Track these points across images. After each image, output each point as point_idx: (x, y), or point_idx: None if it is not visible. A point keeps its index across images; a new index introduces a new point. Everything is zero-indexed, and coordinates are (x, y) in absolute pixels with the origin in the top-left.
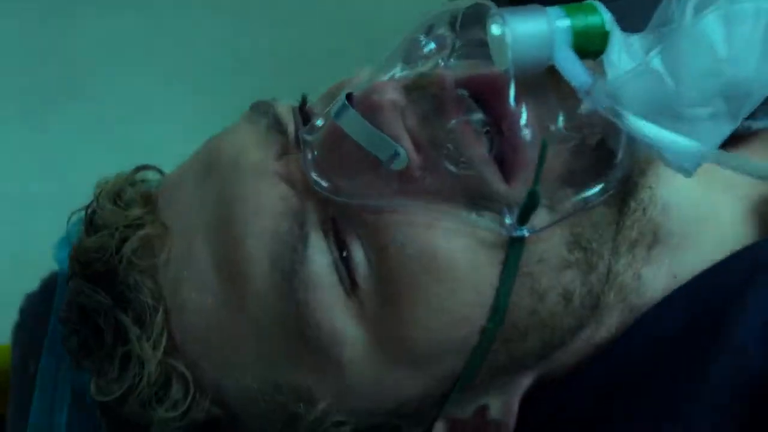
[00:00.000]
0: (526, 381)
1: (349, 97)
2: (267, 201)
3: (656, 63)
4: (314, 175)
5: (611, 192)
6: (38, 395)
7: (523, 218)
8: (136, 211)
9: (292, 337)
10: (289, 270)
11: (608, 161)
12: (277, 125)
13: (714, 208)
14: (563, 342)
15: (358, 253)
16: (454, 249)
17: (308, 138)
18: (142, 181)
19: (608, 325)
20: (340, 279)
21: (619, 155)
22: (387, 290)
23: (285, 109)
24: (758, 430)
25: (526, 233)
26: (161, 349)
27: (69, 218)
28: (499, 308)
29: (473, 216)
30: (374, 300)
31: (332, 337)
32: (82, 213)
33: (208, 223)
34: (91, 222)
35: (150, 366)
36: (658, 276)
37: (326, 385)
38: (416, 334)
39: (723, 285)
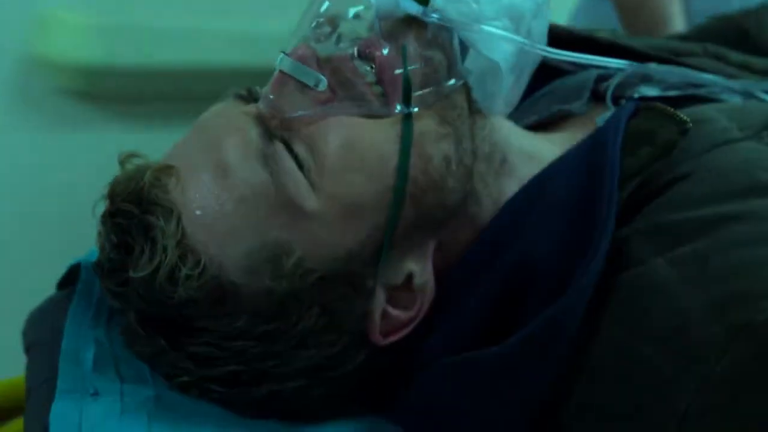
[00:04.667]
0: (432, 243)
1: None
2: (240, 121)
3: None
4: (264, 107)
5: (459, 83)
6: (66, 339)
7: (406, 99)
8: (148, 163)
9: (272, 205)
10: (267, 161)
11: (452, 65)
12: (241, 95)
13: (541, 149)
14: (455, 208)
15: (301, 149)
16: (364, 131)
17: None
18: None
19: (483, 214)
20: (297, 166)
21: (458, 61)
22: (325, 167)
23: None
24: None
25: (412, 110)
26: (178, 235)
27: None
28: (401, 169)
29: (375, 108)
30: (318, 175)
31: (298, 201)
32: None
33: (202, 149)
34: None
35: (171, 245)
36: (511, 183)
37: (297, 237)
38: (348, 190)
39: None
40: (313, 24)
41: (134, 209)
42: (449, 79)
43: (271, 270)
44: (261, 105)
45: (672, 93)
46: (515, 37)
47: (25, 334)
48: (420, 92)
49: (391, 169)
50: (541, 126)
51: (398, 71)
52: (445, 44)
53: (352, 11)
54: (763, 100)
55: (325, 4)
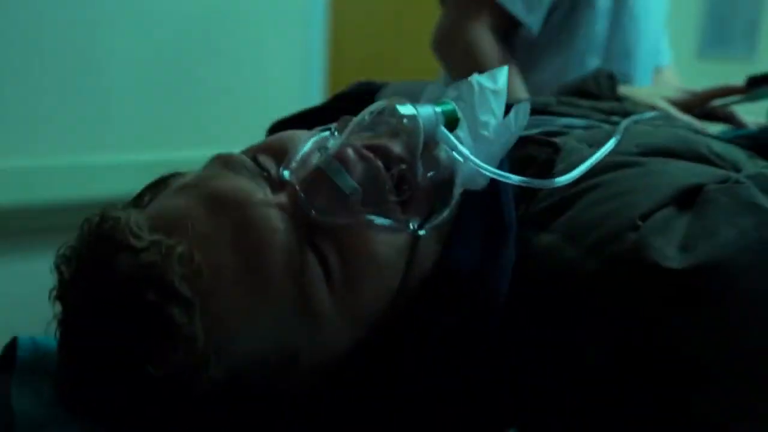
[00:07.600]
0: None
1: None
2: (273, 218)
3: (487, 132)
4: (305, 208)
5: (455, 206)
6: None
7: (422, 224)
8: (157, 236)
9: (293, 312)
10: (298, 270)
11: (455, 191)
12: (261, 172)
13: None
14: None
15: (331, 258)
16: (385, 245)
17: (292, 179)
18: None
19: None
20: (324, 275)
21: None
22: (348, 278)
23: (263, 159)
24: None
25: (424, 232)
26: (202, 337)
27: None
28: (403, 282)
29: (395, 222)
30: (341, 283)
31: (318, 308)
32: None
33: (230, 240)
34: (109, 236)
35: (195, 346)
36: None
37: (307, 340)
38: (362, 300)
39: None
40: (356, 129)
41: (151, 295)
42: (450, 203)
43: (279, 369)
44: (292, 199)
45: (535, 131)
46: (502, 173)
47: None
48: (435, 219)
49: (397, 281)
50: None
51: (427, 199)
52: (455, 171)
53: (395, 121)
54: (602, 127)
55: (376, 110)
